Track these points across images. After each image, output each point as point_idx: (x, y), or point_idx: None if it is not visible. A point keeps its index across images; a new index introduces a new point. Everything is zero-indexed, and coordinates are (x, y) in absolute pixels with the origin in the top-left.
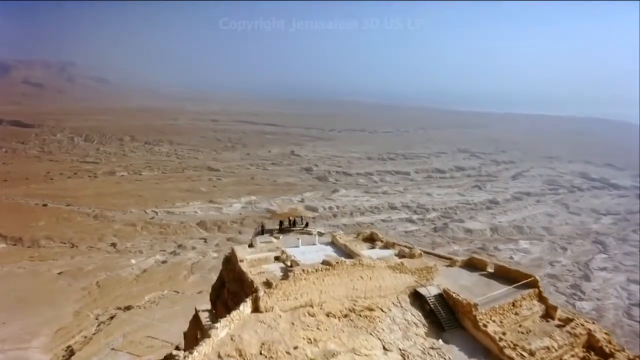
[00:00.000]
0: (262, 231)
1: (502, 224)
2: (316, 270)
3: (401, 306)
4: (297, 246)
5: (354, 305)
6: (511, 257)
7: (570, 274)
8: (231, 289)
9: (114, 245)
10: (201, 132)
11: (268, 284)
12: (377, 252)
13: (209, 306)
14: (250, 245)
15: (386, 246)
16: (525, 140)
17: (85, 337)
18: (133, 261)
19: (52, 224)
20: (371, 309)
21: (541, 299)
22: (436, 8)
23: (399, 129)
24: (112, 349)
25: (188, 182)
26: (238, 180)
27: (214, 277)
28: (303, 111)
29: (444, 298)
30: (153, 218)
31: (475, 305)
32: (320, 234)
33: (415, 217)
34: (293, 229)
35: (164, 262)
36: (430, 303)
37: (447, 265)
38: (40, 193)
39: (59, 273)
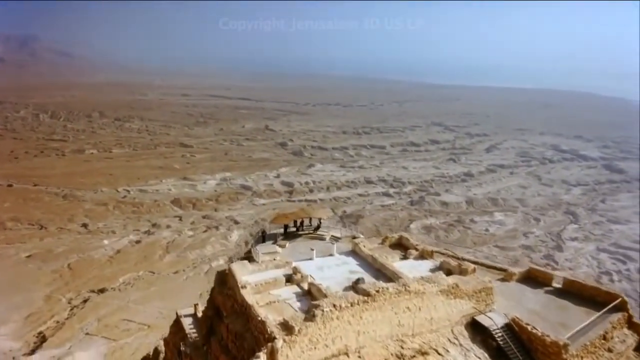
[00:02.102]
0: (264, 238)
1: (477, 197)
2: (351, 305)
3: (460, 344)
4: (311, 258)
5: (402, 348)
6: (487, 229)
7: (543, 245)
8: (233, 328)
9: (85, 225)
10: (172, 107)
11: (287, 327)
12: (412, 265)
13: (191, 310)
14: (251, 259)
15: (422, 255)
16: (498, 113)
17: (58, 322)
18: (106, 242)
19: (19, 205)
20: (424, 353)
21: (631, 325)
22: None
23: (374, 103)
24: (87, 333)
25: (160, 159)
26: (212, 156)
27: (190, 255)
28: (276, 85)
29: (513, 330)
30: (125, 197)
31: (566, 346)
32: (336, 239)
33: (391, 191)
34: (301, 232)
35: (138, 242)
36: (498, 338)
37: (501, 279)
38: (4, 173)
39: (28, 256)
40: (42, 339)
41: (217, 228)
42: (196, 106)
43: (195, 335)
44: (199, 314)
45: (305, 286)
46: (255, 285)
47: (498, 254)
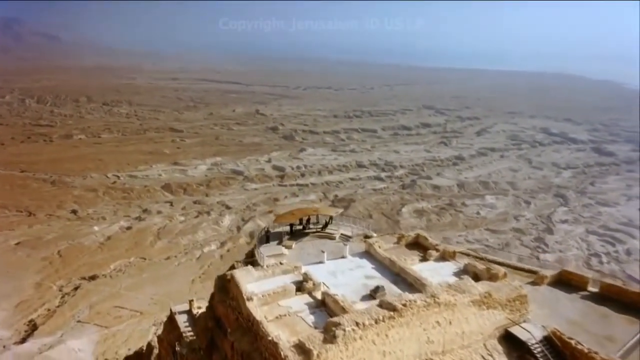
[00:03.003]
0: (268, 238)
1: (469, 180)
2: (376, 322)
3: None
4: (322, 261)
5: None
6: (478, 213)
7: (534, 228)
8: (239, 347)
9: (74, 212)
10: (161, 91)
11: (304, 351)
12: (433, 268)
13: (185, 306)
14: (255, 263)
15: (443, 256)
16: (488, 97)
17: (49, 310)
18: (96, 228)
19: (6, 191)
20: None
21: None
22: None
23: (365, 86)
24: (78, 321)
25: (150, 144)
26: (202, 141)
27: (181, 241)
28: (266, 68)
29: (553, 344)
30: (115, 182)
31: None
32: (347, 239)
33: (383, 174)
34: (308, 231)
35: (128, 228)
36: (538, 354)
37: (531, 283)
38: None
39: (17, 243)
40: (33, 327)
41: (208, 213)
42: (186, 90)
43: (191, 334)
44: (194, 311)
45: (318, 295)
46: (263, 296)
47: (489, 237)
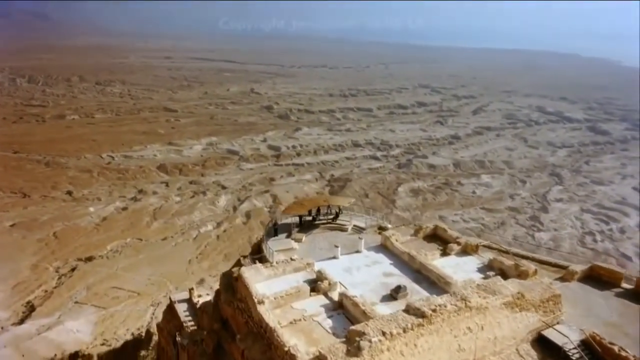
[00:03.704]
0: (276, 231)
1: (465, 159)
2: (404, 330)
3: None
4: (335, 257)
5: None
6: (474, 192)
7: (529, 206)
8: (250, 356)
9: (69, 193)
10: (154, 70)
11: None
12: (455, 263)
13: (185, 294)
14: (263, 259)
15: (465, 250)
16: (484, 75)
17: (46, 291)
18: (91, 209)
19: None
20: None
21: None
22: None
23: (360, 65)
24: (76, 302)
25: (144, 124)
26: (197, 120)
27: (177, 221)
28: (261, 47)
29: (593, 349)
30: (110, 163)
31: None
32: (360, 231)
33: (379, 154)
34: (318, 222)
35: (124, 208)
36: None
37: (559, 279)
38: None
39: (12, 225)
40: (30, 309)
41: (204, 193)
42: (179, 69)
43: (192, 324)
44: (194, 300)
45: (334, 296)
46: (275, 298)
47: (485, 215)
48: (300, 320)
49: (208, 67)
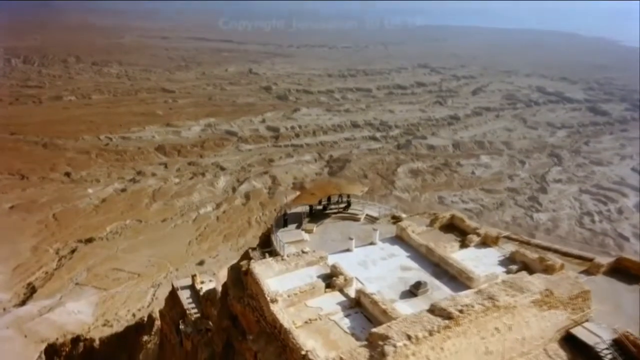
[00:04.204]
0: (285, 221)
1: (464, 140)
2: (430, 333)
3: None
4: (349, 249)
5: None
6: (473, 172)
7: (528, 187)
8: (264, 358)
9: (67, 174)
10: (151, 50)
11: None
12: (475, 255)
13: (188, 281)
14: (273, 252)
15: (485, 242)
16: (483, 55)
17: (47, 272)
18: (90, 191)
19: None
20: None
21: None
22: None
23: (359, 45)
24: (77, 283)
25: (142, 105)
26: (195, 101)
27: (177, 203)
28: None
29: (626, 349)
30: (108, 144)
31: None
32: (373, 220)
33: (378, 134)
34: (329, 211)
35: (123, 190)
36: None
37: (585, 272)
38: None
39: (11, 207)
40: (31, 290)
41: (203, 175)
42: (177, 49)
43: (195, 312)
44: (197, 286)
45: (351, 292)
46: (289, 296)
47: (484, 196)
48: (315, 319)
49: (205, 47)
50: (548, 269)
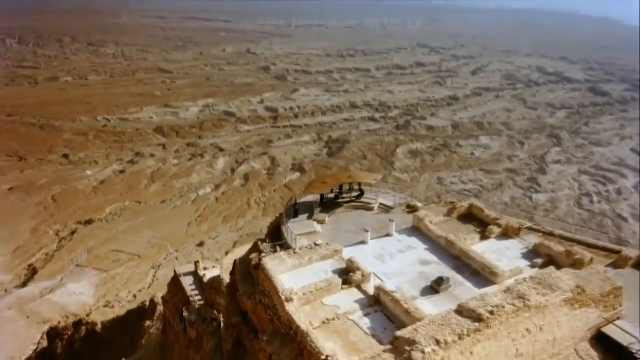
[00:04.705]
0: (296, 211)
1: (463, 120)
2: (460, 337)
3: None
4: (364, 242)
5: None
6: (472, 153)
7: (527, 168)
8: None
9: (66, 156)
10: (148, 30)
11: None
12: (497, 248)
13: (191, 267)
14: (285, 246)
15: (506, 233)
16: (483, 35)
17: (47, 254)
18: (89, 172)
19: None
20: None
21: None
22: None
23: (358, 25)
24: (77, 265)
25: (140, 86)
26: (193, 82)
27: (176, 184)
28: (256, 6)
29: None
30: (106, 126)
31: None
32: (387, 210)
33: (377, 115)
34: (341, 200)
35: (122, 172)
36: None
37: (612, 265)
38: None
39: (10, 189)
40: (33, 272)
41: (202, 156)
42: (174, 29)
43: (199, 299)
44: (200, 273)
45: (370, 290)
46: (304, 294)
47: (483, 177)
48: (333, 319)
49: (203, 26)
50: (576, 264)
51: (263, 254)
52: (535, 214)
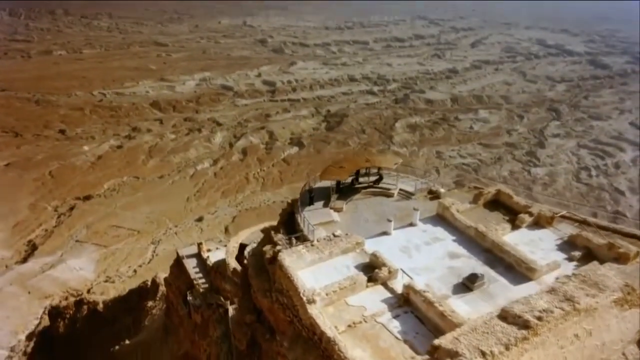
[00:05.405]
0: (311, 198)
1: (462, 94)
2: (506, 348)
3: None
4: (387, 232)
5: None
6: (471, 127)
7: (526, 142)
8: None
9: (62, 132)
10: (142, 3)
11: None
12: (529, 239)
13: (194, 249)
14: (302, 238)
15: (538, 222)
16: (483, 6)
17: (46, 230)
18: (86, 148)
19: None
20: None
21: None
22: None
23: None
24: (77, 240)
25: (135, 60)
26: (189, 55)
27: (173, 159)
28: None
29: None
30: (102, 100)
31: None
32: (408, 196)
33: (375, 88)
34: (358, 186)
35: (119, 147)
36: None
37: None
38: None
39: (6, 164)
40: (32, 248)
41: (199, 130)
42: (168, 1)
43: (203, 282)
44: (204, 255)
45: (396, 287)
46: (327, 294)
47: (482, 151)
48: (360, 322)
49: None
50: (621, 258)
51: (278, 247)
52: (533, 188)
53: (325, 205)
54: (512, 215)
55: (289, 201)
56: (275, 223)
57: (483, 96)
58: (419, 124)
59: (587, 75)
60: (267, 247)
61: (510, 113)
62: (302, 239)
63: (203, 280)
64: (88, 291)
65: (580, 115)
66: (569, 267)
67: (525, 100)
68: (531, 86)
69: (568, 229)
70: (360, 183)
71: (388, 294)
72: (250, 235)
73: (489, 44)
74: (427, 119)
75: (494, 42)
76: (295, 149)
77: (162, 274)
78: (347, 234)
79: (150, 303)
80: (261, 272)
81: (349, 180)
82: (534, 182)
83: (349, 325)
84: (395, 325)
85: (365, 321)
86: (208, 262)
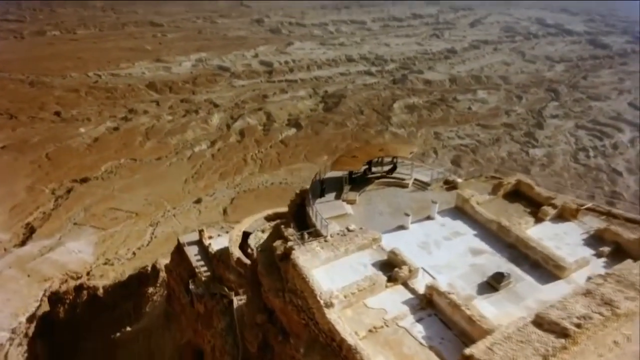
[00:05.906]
0: (323, 190)
1: (461, 74)
2: (544, 358)
3: None
4: (404, 226)
5: None
6: (469, 108)
7: (524, 123)
8: None
9: (57, 113)
10: None
11: None
12: (553, 233)
13: (195, 236)
14: (314, 232)
15: (562, 215)
16: None
17: (44, 213)
18: (82, 130)
19: None
20: None
21: None
22: None
23: None
24: (75, 223)
25: (130, 40)
26: (185, 35)
27: (171, 141)
28: None
29: None
30: (97, 82)
31: None
32: (423, 187)
33: (373, 69)
34: (371, 176)
35: (115, 128)
36: None
37: None
38: None
39: (2, 147)
40: (30, 230)
41: (196, 112)
42: None
43: (205, 270)
44: (205, 242)
45: (417, 287)
46: (345, 296)
47: (480, 132)
48: (381, 326)
49: None
50: None
51: (289, 243)
52: (531, 169)
53: (337, 197)
54: (534, 207)
55: (297, 192)
56: (276, 207)
57: (482, 76)
58: (417, 105)
59: (586, 55)
60: (277, 243)
61: (508, 94)
62: (315, 234)
63: (205, 269)
64: (87, 274)
65: (579, 95)
66: (598, 264)
67: (523, 80)
68: (530, 66)
69: (594, 222)
70: (373, 173)
71: (409, 295)
72: (254, 223)
73: (487, 24)
74: (425, 100)
75: (493, 22)
76: (293, 130)
77: (162, 259)
78: (361, 229)
79: (150, 289)
80: (272, 270)
81: (361, 169)
82: (532, 163)
83: (370, 330)
84: (419, 330)
85: (387, 325)
86: (210, 250)
